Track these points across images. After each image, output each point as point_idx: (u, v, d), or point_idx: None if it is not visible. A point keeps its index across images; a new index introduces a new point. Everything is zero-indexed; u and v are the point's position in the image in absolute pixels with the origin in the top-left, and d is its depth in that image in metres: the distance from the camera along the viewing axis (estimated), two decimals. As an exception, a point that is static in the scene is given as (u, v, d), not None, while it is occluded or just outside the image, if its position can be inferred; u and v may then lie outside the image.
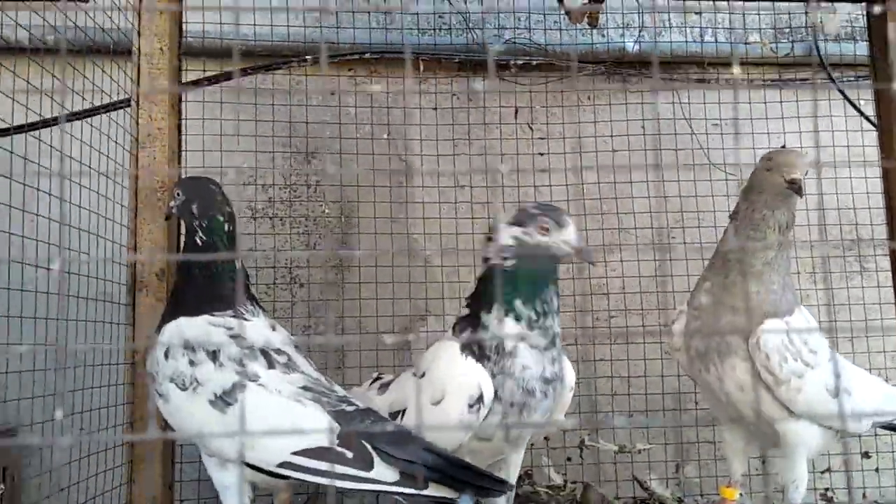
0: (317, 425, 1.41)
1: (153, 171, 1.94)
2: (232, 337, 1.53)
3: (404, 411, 1.56)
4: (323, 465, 1.36)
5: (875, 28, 1.97)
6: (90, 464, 1.84)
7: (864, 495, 2.13)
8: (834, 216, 2.30)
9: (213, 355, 1.49)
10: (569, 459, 2.14)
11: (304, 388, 1.50)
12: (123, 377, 1.88)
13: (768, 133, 2.24)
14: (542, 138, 2.27)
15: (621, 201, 2.22)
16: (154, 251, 1.88)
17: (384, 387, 1.69)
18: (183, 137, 2.06)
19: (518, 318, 1.47)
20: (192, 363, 1.49)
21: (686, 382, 2.18)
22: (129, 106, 1.98)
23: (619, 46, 2.44)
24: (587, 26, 2.04)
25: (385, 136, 2.40)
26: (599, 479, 2.06)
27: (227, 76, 2.19)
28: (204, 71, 2.20)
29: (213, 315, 1.56)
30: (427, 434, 1.41)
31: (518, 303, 1.47)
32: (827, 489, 2.13)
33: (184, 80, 2.05)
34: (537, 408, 1.49)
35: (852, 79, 2.50)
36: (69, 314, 1.81)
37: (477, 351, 1.48)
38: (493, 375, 1.47)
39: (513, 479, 1.65)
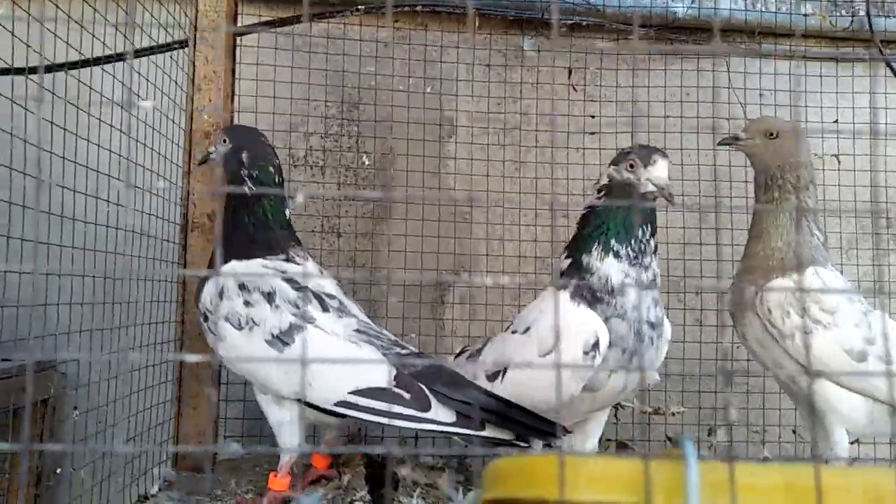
0: (375, 366, 1.45)
1: (208, 113, 1.95)
2: (286, 280, 1.56)
3: (504, 370, 1.56)
4: (380, 405, 1.40)
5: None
6: (136, 401, 1.86)
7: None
8: (883, 193, 2.30)
9: (269, 297, 1.52)
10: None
11: (358, 331, 1.54)
12: (173, 315, 1.91)
13: (821, 107, 2.24)
14: (592, 100, 2.26)
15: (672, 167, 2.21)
16: (208, 192, 1.90)
17: (473, 355, 1.70)
18: (236, 82, 2.06)
19: (618, 256, 1.50)
20: (247, 303, 1.52)
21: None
22: (186, 47, 1.97)
23: (669, 11, 2.41)
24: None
25: (429, 89, 2.38)
26: (633, 438, 2.10)
27: (281, 22, 2.16)
28: (259, 16, 2.18)
29: (265, 258, 1.60)
30: (537, 388, 1.43)
31: (613, 241, 1.50)
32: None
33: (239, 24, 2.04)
34: (645, 355, 1.52)
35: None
36: (123, 249, 1.82)
37: (588, 296, 1.50)
38: (606, 319, 1.48)
39: (596, 438, 1.68)
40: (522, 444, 1.41)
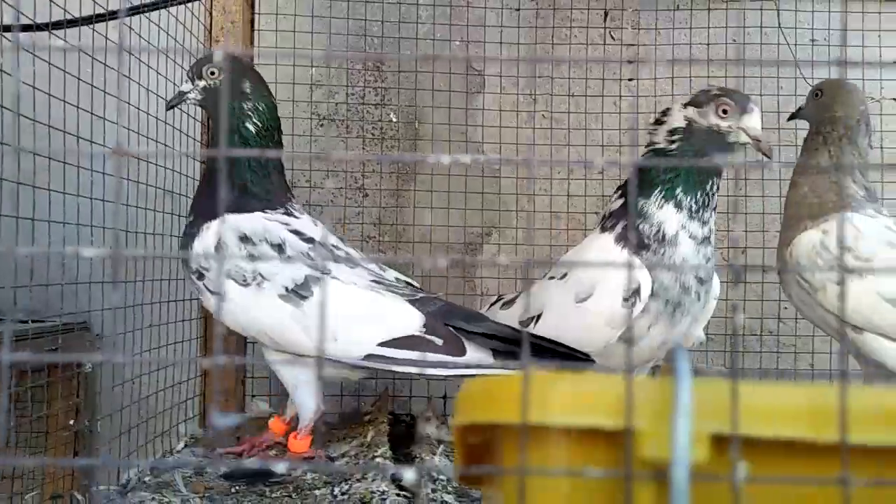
0: (402, 314, 1.38)
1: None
2: (292, 231, 1.46)
3: (539, 316, 1.49)
4: (413, 355, 1.33)
5: None
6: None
7: None
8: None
9: (279, 248, 1.41)
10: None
11: (374, 280, 1.46)
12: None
13: (880, 46, 2.06)
14: (630, 45, 2.13)
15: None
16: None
17: (509, 303, 1.64)
18: (255, 34, 2.00)
19: (679, 206, 1.40)
20: (252, 257, 1.42)
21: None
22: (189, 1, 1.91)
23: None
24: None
25: (458, 40, 2.27)
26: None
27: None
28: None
29: (265, 212, 1.47)
30: (571, 333, 1.36)
31: (679, 190, 1.40)
32: None
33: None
34: (690, 310, 1.43)
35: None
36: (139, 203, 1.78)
37: (634, 241, 1.42)
38: (651, 267, 1.39)
39: None
40: None
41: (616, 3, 2.12)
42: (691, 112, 1.40)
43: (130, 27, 1.69)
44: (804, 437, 0.37)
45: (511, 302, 1.67)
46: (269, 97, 1.52)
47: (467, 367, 1.33)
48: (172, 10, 1.81)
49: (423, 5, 2.19)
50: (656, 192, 1.42)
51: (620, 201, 1.48)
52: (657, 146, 1.45)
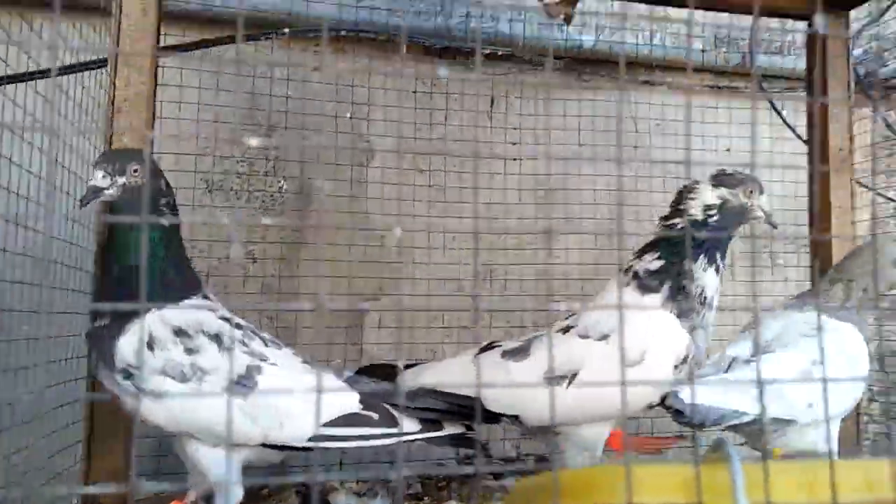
0: (341, 394, 1.44)
1: (131, 136, 1.87)
2: (222, 319, 1.42)
3: (573, 376, 1.51)
4: (355, 431, 1.40)
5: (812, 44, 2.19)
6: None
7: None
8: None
9: (216, 338, 1.37)
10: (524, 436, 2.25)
11: (304, 362, 1.50)
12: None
13: (703, 136, 2.47)
14: (500, 127, 2.36)
15: (572, 192, 2.36)
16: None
17: (512, 354, 1.60)
18: (158, 104, 1.99)
19: (717, 270, 1.57)
20: (189, 351, 1.34)
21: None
22: (96, 68, 1.89)
23: (577, 44, 2.56)
24: (562, 22, 2.14)
25: (348, 115, 2.39)
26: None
27: (206, 44, 2.13)
28: (183, 36, 2.13)
29: (191, 299, 1.42)
30: (612, 398, 1.42)
31: (718, 255, 1.57)
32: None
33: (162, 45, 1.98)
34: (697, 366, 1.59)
35: (778, 90, 2.77)
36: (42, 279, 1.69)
37: (682, 303, 1.54)
38: (692, 329, 1.53)
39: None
40: (470, 433, 1.49)
41: (501, 92, 2.35)
42: (724, 192, 1.58)
43: (36, 92, 1.64)
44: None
45: (520, 352, 1.60)
46: (173, 190, 1.50)
47: (401, 436, 1.43)
48: (80, 78, 1.77)
49: (315, 82, 2.29)
50: (702, 256, 1.55)
51: (660, 262, 1.56)
52: (694, 217, 1.58)
